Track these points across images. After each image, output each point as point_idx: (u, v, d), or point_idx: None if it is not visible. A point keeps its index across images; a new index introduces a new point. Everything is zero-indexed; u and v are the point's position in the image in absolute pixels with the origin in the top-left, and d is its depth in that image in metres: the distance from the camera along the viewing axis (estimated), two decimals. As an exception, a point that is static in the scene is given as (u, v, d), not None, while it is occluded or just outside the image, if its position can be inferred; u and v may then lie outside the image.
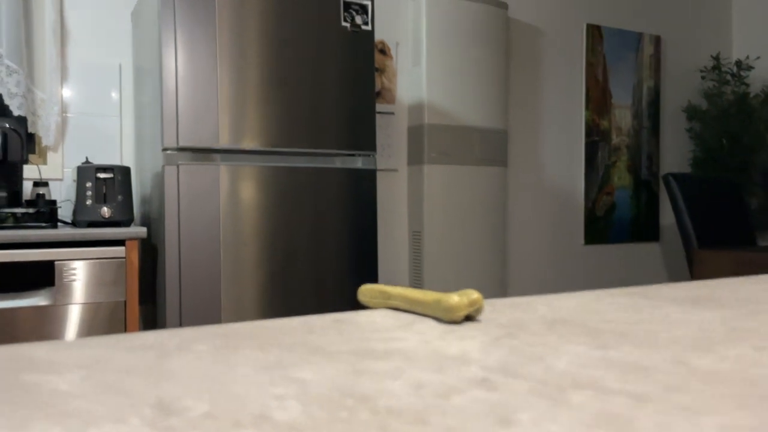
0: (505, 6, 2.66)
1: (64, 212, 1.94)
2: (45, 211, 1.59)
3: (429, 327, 0.36)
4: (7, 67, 1.82)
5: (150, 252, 1.76)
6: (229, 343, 0.32)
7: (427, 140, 2.49)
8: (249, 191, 1.66)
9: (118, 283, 1.55)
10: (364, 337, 0.33)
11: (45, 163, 1.95)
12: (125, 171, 1.68)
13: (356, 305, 1.80)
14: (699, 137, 3.33)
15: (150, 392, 0.24)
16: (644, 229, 3.29)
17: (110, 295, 1.54)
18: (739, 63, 3.30)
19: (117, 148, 2.05)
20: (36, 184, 1.79)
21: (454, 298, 0.36)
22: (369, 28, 1.84)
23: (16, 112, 1.84)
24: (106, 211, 1.61)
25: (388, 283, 2.56)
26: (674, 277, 3.44)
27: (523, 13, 2.91)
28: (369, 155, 1.84)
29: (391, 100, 2.57)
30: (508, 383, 0.25)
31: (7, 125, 1.61)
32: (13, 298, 1.46)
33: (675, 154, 3.43)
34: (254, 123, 1.67)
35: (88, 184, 1.62)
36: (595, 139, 3.14)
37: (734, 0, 3.64)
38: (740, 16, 3.61)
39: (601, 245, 3.16)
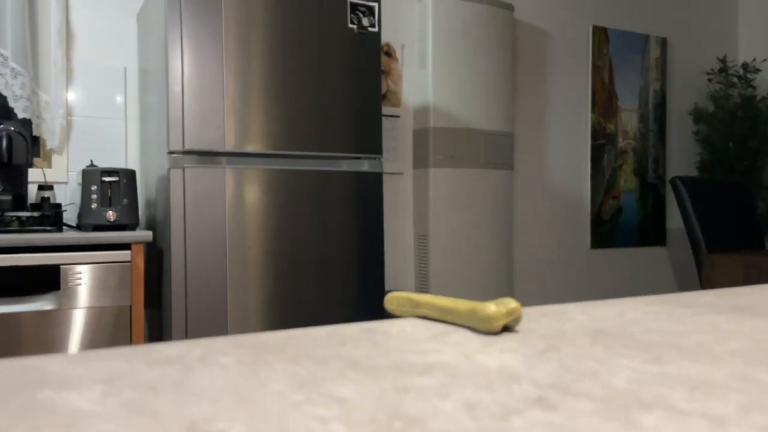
0: (511, 8, 2.65)
1: (69, 216, 1.92)
2: (50, 215, 1.57)
3: (465, 338, 0.34)
4: (12, 69, 1.81)
5: (155, 256, 1.74)
6: (256, 355, 0.30)
7: (433, 143, 2.47)
8: (255, 194, 1.64)
9: (124, 287, 1.53)
10: (399, 349, 0.31)
11: (50, 166, 1.94)
12: (130, 174, 1.66)
13: (361, 309, 1.78)
14: (705, 140, 3.30)
15: (179, 413, 0.22)
16: (651, 233, 3.26)
17: (115, 300, 1.52)
18: (745, 65, 3.28)
19: (122, 151, 2.03)
20: (41, 187, 1.77)
21: (491, 308, 0.34)
22: (376, 29, 1.83)
23: (20, 115, 1.83)
24: (111, 214, 1.59)
25: (394, 287, 2.54)
26: (682, 281, 3.41)
27: (529, 15, 2.90)
28: (375, 158, 1.82)
29: (397, 103, 2.55)
30: (567, 402, 0.23)
31: (12, 128, 1.60)
32: (18, 303, 1.44)
33: (681, 157, 3.41)
34: (260, 126, 1.65)
35: (94, 188, 1.60)
36: (602, 142, 3.12)
37: (740, 2, 3.62)
38: (746, 18, 3.59)
39: (608, 249, 3.14)
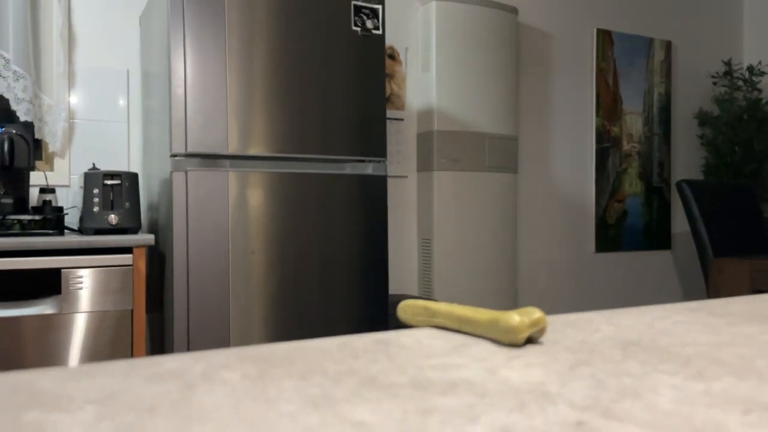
0: (515, 11, 2.63)
1: (71, 219, 1.90)
2: (51, 218, 1.55)
3: (487, 351, 0.31)
4: (14, 72, 1.79)
5: (157, 259, 1.72)
6: (262, 369, 0.28)
7: (437, 147, 2.45)
8: (258, 198, 1.62)
9: (125, 291, 1.51)
10: (417, 364, 0.29)
11: (52, 169, 1.92)
12: (133, 177, 1.65)
13: (365, 312, 1.76)
14: (711, 144, 3.28)
15: (179, 438, 0.20)
16: (656, 237, 3.23)
17: (117, 304, 1.50)
18: (751, 68, 3.26)
19: (124, 154, 2.02)
20: (42, 190, 1.76)
21: (515, 318, 0.31)
22: (380, 32, 1.81)
23: (23, 118, 1.81)
24: (113, 218, 1.58)
25: (397, 290, 2.51)
26: (687, 285, 3.38)
27: (533, 18, 2.88)
28: (380, 161, 1.80)
29: (401, 106, 2.54)
30: (612, 428, 0.21)
31: (14, 131, 1.58)
32: (18, 307, 1.42)
33: (686, 160, 3.38)
34: (263, 128, 1.63)
35: (96, 191, 1.59)
36: (606, 145, 3.09)
37: (745, 5, 3.60)
38: (751, 22, 3.57)
39: (613, 253, 3.11)
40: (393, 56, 2.53)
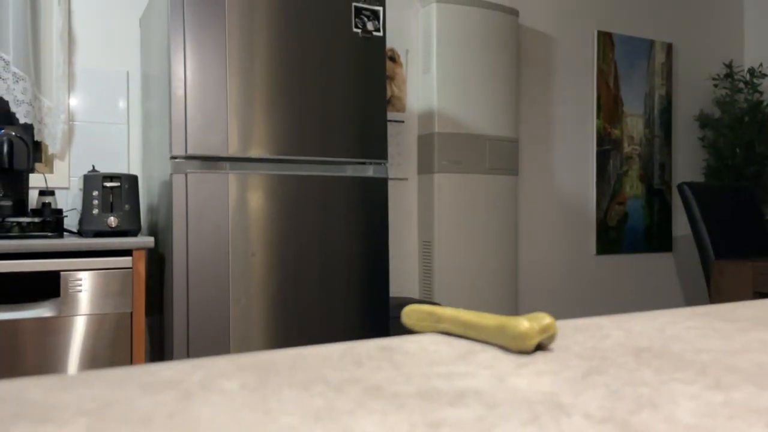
0: (515, 13, 2.63)
1: (71, 221, 1.89)
2: (51, 221, 1.54)
3: (495, 358, 0.30)
4: (14, 74, 1.79)
5: (157, 262, 1.71)
6: (262, 378, 0.27)
7: (438, 149, 2.44)
8: (258, 200, 1.61)
9: (125, 294, 1.50)
10: (423, 372, 0.28)
11: (51, 171, 1.91)
12: (132, 179, 1.64)
13: (365, 315, 1.75)
14: (712, 146, 3.27)
15: (175, 453, 0.19)
16: (657, 240, 3.22)
17: (117, 306, 1.49)
18: (752, 71, 3.25)
19: (124, 156, 2.01)
20: (42, 192, 1.75)
21: (524, 324, 0.30)
22: (380, 34, 1.80)
23: (22, 120, 1.81)
24: (112, 220, 1.57)
25: (398, 293, 2.50)
26: (688, 288, 3.37)
27: (534, 20, 2.88)
28: (380, 163, 1.79)
29: (401, 108, 2.53)
30: (630, 442, 0.20)
31: (14, 133, 1.58)
32: (17, 309, 1.41)
33: (687, 162, 3.37)
34: (264, 131, 1.62)
35: (95, 193, 1.58)
36: (607, 147, 3.09)
37: (746, 7, 3.60)
38: (752, 24, 3.57)
39: (613, 255, 3.10)
40: (393, 58, 2.52)
